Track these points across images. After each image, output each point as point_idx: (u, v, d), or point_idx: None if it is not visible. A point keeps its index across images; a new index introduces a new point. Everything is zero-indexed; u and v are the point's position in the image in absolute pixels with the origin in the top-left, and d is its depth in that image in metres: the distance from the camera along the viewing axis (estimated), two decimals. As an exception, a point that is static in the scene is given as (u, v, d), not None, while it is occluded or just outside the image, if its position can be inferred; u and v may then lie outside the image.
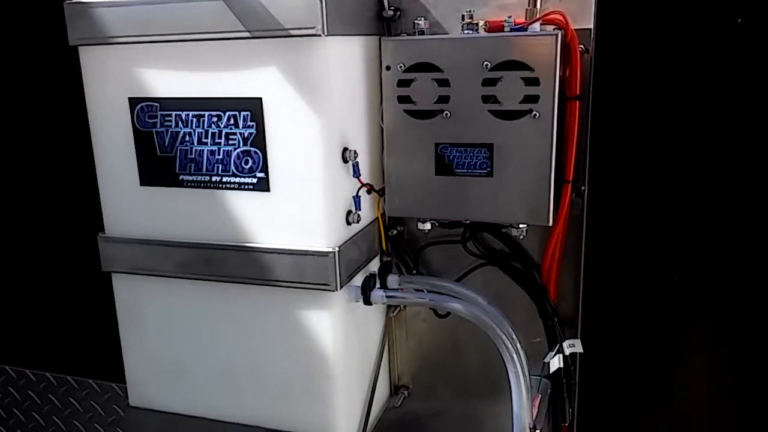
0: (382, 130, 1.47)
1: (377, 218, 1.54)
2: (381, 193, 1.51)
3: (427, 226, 1.56)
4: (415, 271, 1.62)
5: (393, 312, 1.68)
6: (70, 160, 1.97)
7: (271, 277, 1.37)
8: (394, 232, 1.61)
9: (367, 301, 1.41)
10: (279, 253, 1.35)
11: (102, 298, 1.71)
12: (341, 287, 1.35)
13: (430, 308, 1.66)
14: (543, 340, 1.56)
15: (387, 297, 1.42)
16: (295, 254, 1.34)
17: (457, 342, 1.71)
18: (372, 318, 1.60)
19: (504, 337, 1.36)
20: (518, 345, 1.37)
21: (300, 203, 1.33)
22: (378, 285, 1.46)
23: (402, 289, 1.51)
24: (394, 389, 1.79)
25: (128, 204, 1.46)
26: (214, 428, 1.52)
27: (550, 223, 1.40)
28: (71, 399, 2.22)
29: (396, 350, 1.76)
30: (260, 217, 1.36)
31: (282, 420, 1.47)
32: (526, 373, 1.36)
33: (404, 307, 1.71)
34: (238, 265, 1.39)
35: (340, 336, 1.41)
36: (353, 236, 1.41)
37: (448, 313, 1.66)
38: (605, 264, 1.52)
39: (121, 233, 1.48)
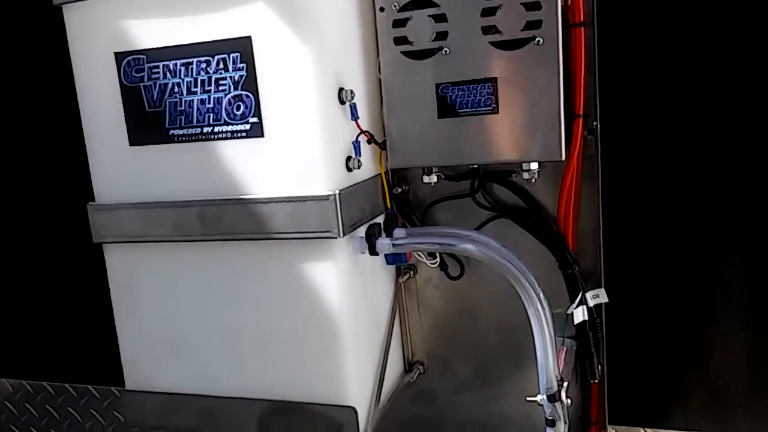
0: (380, 81, 1.42)
1: (380, 175, 1.46)
2: (382, 146, 1.44)
3: (433, 179, 1.49)
4: (422, 229, 1.53)
5: (402, 277, 1.59)
6: (52, 132, 1.89)
7: (270, 229, 1.29)
8: (399, 190, 1.53)
9: (373, 251, 1.32)
10: (277, 202, 1.28)
11: (96, 297, 1.62)
12: (344, 234, 1.26)
13: (441, 269, 1.57)
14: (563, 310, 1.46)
15: (394, 245, 1.33)
16: (294, 201, 1.26)
17: (471, 308, 1.61)
18: (379, 278, 1.51)
19: (522, 278, 1.26)
20: (538, 289, 1.27)
21: (296, 146, 1.26)
22: (384, 236, 1.37)
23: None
24: (409, 366, 1.68)
25: (118, 167, 1.40)
26: (218, 405, 1.42)
27: (563, 158, 1.32)
28: (69, 409, 2.11)
29: (408, 323, 1.65)
30: (255, 166, 1.29)
31: (290, 390, 1.37)
32: (549, 316, 1.26)
33: (414, 273, 1.61)
34: (235, 219, 1.31)
35: (346, 290, 1.32)
36: (355, 184, 1.33)
37: (461, 274, 1.57)
38: (624, 206, 1.42)
39: (112, 200, 1.41)
